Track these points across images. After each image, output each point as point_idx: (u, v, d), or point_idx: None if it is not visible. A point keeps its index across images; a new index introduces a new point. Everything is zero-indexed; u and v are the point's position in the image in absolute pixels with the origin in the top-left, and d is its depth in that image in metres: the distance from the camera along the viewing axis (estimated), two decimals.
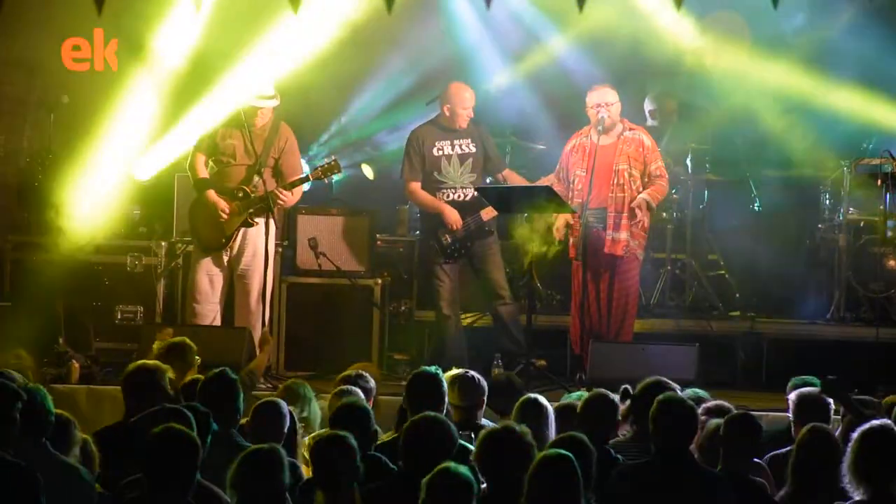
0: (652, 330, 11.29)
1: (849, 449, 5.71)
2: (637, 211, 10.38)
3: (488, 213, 10.63)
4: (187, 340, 8.24)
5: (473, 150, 10.79)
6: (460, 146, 10.79)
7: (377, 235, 11.68)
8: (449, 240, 10.74)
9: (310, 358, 10.95)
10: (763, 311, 12.06)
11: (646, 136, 10.54)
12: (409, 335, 11.66)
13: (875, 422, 5.87)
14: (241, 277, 10.55)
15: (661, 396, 6.29)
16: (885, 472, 5.62)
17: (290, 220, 11.44)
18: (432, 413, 6.05)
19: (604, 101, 10.44)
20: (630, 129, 10.53)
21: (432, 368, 7.10)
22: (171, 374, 7.27)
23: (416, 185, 10.79)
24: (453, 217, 10.68)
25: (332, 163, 10.53)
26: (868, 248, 11.92)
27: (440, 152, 10.77)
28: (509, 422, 5.93)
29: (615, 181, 10.40)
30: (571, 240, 10.52)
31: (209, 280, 10.55)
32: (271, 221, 10.43)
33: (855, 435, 5.72)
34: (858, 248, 11.92)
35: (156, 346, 8.34)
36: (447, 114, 10.74)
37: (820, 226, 12.25)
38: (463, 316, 11.16)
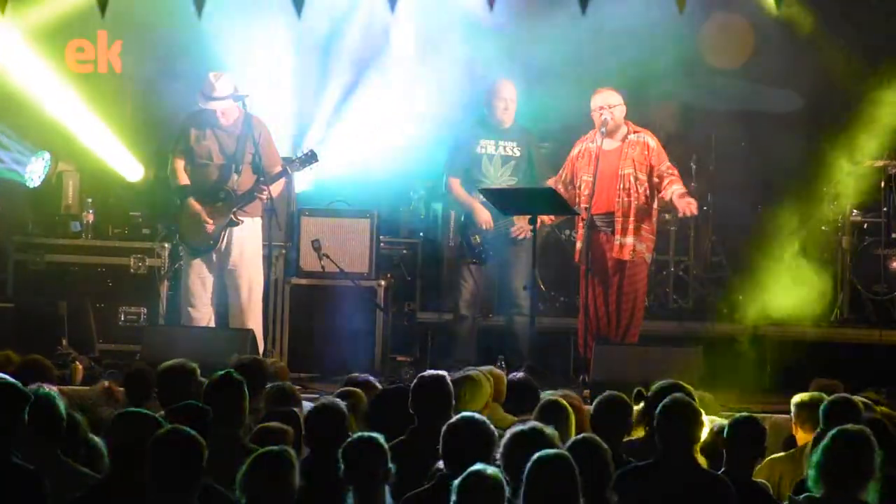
0: (655, 332, 11.28)
1: (819, 447, 5.69)
2: (688, 207, 10.33)
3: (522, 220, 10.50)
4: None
5: (517, 153, 10.78)
6: (504, 148, 10.79)
7: (380, 237, 11.68)
8: (478, 240, 10.75)
9: (313, 359, 10.96)
10: (766, 313, 12.05)
11: (651, 138, 10.50)
12: (412, 337, 11.66)
13: (850, 425, 5.86)
14: (230, 276, 10.53)
15: (666, 399, 6.29)
16: (850, 474, 5.61)
17: (294, 221, 11.44)
18: (469, 413, 6.06)
19: (607, 103, 10.41)
20: (635, 132, 10.50)
21: (439, 371, 7.08)
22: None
23: (455, 181, 10.83)
24: (483, 217, 10.69)
25: (309, 153, 10.49)
26: (872, 249, 11.94)
27: (483, 150, 10.78)
28: (537, 423, 5.92)
29: (621, 186, 10.36)
30: (578, 244, 10.49)
31: (201, 283, 10.54)
32: (258, 220, 10.44)
33: (829, 434, 5.70)
34: (862, 250, 11.93)
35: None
36: (487, 108, 10.74)
37: (823, 227, 12.25)
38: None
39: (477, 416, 6.02)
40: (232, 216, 10.45)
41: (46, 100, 11.97)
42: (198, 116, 10.58)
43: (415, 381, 7.02)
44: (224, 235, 10.49)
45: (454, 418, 5.99)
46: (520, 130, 10.84)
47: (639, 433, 6.99)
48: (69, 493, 5.64)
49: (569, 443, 5.88)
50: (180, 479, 5.39)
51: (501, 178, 10.72)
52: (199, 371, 7.26)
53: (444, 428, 5.91)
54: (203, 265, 10.54)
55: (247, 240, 10.51)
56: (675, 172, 10.47)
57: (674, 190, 10.34)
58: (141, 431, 5.66)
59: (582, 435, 5.97)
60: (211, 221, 10.44)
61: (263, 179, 10.36)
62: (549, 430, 5.80)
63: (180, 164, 10.60)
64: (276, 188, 10.50)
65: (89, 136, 12.10)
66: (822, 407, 6.80)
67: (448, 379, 6.92)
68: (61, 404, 6.01)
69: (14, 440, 5.59)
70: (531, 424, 5.90)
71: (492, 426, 5.94)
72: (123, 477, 5.60)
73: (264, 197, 10.36)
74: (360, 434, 5.78)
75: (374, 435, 5.73)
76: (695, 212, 10.50)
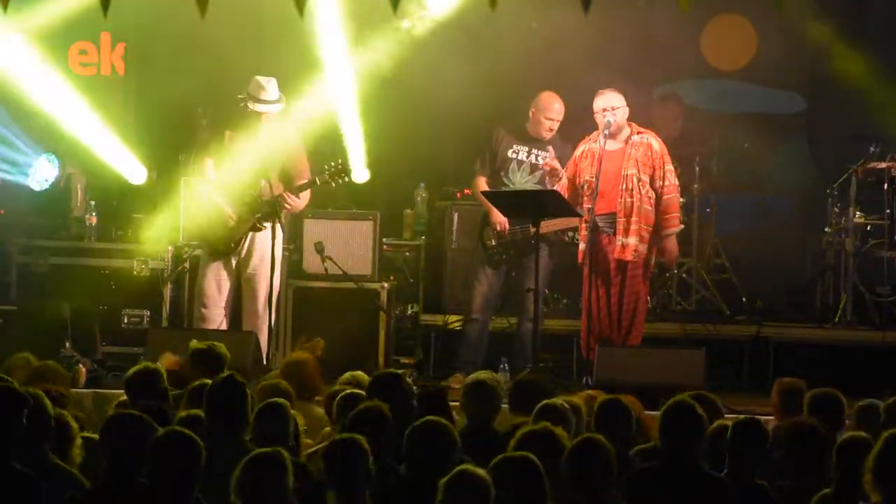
0: (658, 334, 11.28)
1: (873, 450, 5.67)
2: (670, 256, 10.48)
3: (543, 227, 10.32)
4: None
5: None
6: (536, 156, 10.78)
7: (383, 239, 11.68)
8: (493, 242, 10.76)
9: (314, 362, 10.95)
10: (769, 315, 12.06)
11: (654, 140, 10.47)
12: (415, 339, 11.67)
13: None
14: (248, 281, 10.55)
15: (669, 403, 6.29)
16: None
17: (297, 224, 11.44)
18: (433, 417, 6.06)
19: (610, 105, 10.40)
20: (638, 133, 10.49)
21: (395, 370, 7.10)
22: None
23: (481, 180, 10.84)
24: (498, 219, 10.69)
25: (340, 165, 10.48)
26: (875, 252, 11.92)
27: (514, 155, 10.78)
28: (547, 423, 5.92)
29: (623, 186, 10.34)
30: (581, 245, 10.49)
31: (217, 285, 10.55)
32: (278, 226, 10.43)
33: (882, 437, 5.68)
34: (865, 252, 11.92)
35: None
36: (531, 118, 10.74)
37: (827, 230, 12.25)
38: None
39: (439, 419, 6.03)
40: (255, 222, 10.44)
41: (51, 102, 11.93)
42: (235, 119, 10.56)
43: (370, 380, 7.05)
44: (245, 240, 10.49)
45: (418, 422, 5.98)
46: (556, 142, 10.82)
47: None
48: (58, 494, 5.64)
49: (573, 443, 5.89)
50: (179, 481, 5.40)
51: (526, 186, 10.71)
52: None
53: (406, 431, 5.92)
54: (221, 268, 10.54)
55: (267, 246, 10.48)
56: (670, 183, 10.40)
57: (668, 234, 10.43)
58: (135, 433, 5.67)
59: (585, 435, 5.96)
60: (233, 220, 10.43)
61: (290, 189, 10.37)
62: (560, 431, 5.81)
63: (209, 164, 10.60)
64: (302, 199, 10.49)
65: (92, 137, 12.06)
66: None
67: (404, 378, 6.94)
68: (50, 405, 6.01)
69: (13, 445, 5.60)
70: (543, 426, 5.91)
71: (454, 432, 5.94)
72: (120, 479, 5.61)
73: (290, 206, 10.36)
74: (343, 435, 5.78)
75: (357, 437, 5.72)
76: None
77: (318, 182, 10.47)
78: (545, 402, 6.88)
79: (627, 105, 10.43)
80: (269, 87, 10.41)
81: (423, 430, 5.90)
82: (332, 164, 10.48)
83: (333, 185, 10.53)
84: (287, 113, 10.59)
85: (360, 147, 11.61)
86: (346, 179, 10.53)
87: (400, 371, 7.16)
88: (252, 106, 10.40)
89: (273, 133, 10.47)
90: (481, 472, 5.27)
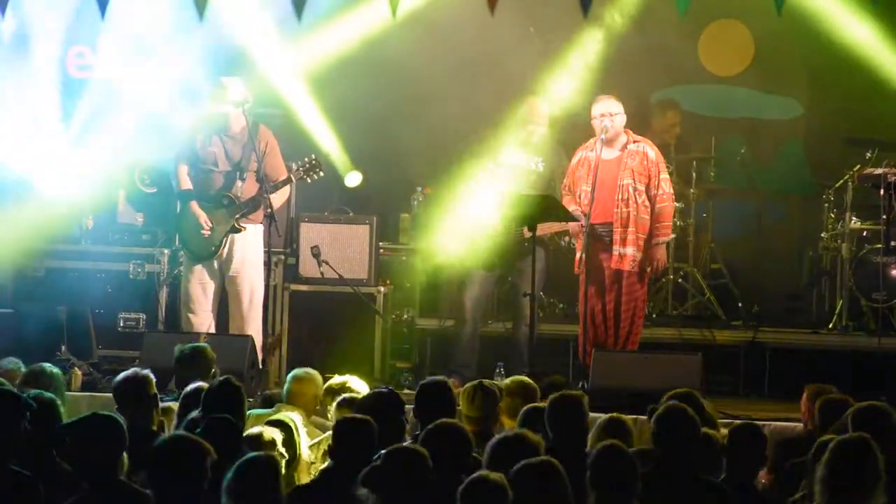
0: (654, 339, 11.27)
1: (823, 457, 5.66)
2: (657, 265, 10.40)
3: (539, 230, 10.29)
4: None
5: (541, 169, 10.76)
6: (528, 161, 10.78)
7: (380, 243, 11.67)
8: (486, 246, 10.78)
9: (312, 366, 10.90)
10: (766, 321, 12.06)
11: (650, 148, 10.45)
12: (411, 343, 11.67)
13: (849, 434, 5.82)
14: (231, 283, 10.54)
15: (662, 408, 6.28)
16: (853, 485, 5.56)
17: (293, 227, 11.44)
18: (449, 420, 6.03)
19: (608, 111, 10.38)
20: (634, 142, 10.47)
21: (440, 378, 7.06)
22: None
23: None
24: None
25: (313, 161, 10.46)
26: (871, 257, 11.92)
27: (507, 161, 10.78)
28: (523, 430, 5.91)
29: (620, 196, 10.32)
30: (577, 254, 10.47)
31: (202, 289, 10.54)
32: (261, 227, 10.43)
33: (829, 447, 5.67)
34: (861, 258, 11.92)
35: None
36: (520, 126, 10.75)
37: (823, 235, 12.26)
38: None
39: (455, 422, 6.02)
40: (234, 223, 10.44)
41: None
42: (205, 121, 10.57)
43: (418, 387, 7.02)
44: (226, 242, 10.49)
45: (431, 425, 5.96)
46: (550, 147, 10.81)
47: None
48: (64, 497, 5.63)
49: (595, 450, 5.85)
50: (183, 485, 5.39)
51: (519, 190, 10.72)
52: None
53: (420, 435, 5.90)
54: (204, 271, 10.54)
55: (248, 247, 10.49)
56: (664, 192, 10.38)
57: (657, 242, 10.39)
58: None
59: (609, 441, 5.91)
60: (211, 226, 10.44)
61: (266, 188, 10.36)
62: (535, 437, 5.79)
63: (184, 170, 10.60)
64: (279, 197, 10.49)
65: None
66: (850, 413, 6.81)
67: (450, 385, 6.92)
68: (61, 409, 6.01)
69: (13, 448, 5.59)
70: (517, 431, 5.90)
71: (467, 432, 5.93)
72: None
73: (267, 206, 10.35)
74: (404, 445, 5.70)
75: (418, 447, 5.65)
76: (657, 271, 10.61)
77: (294, 179, 10.47)
78: (530, 405, 6.89)
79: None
80: (232, 87, 10.41)
81: (436, 433, 5.89)
82: (305, 159, 10.48)
83: (308, 180, 10.51)
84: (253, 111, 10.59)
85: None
86: (321, 174, 10.49)
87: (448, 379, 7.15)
88: (216, 108, 10.41)
89: (245, 132, 10.44)
90: (496, 475, 5.26)
